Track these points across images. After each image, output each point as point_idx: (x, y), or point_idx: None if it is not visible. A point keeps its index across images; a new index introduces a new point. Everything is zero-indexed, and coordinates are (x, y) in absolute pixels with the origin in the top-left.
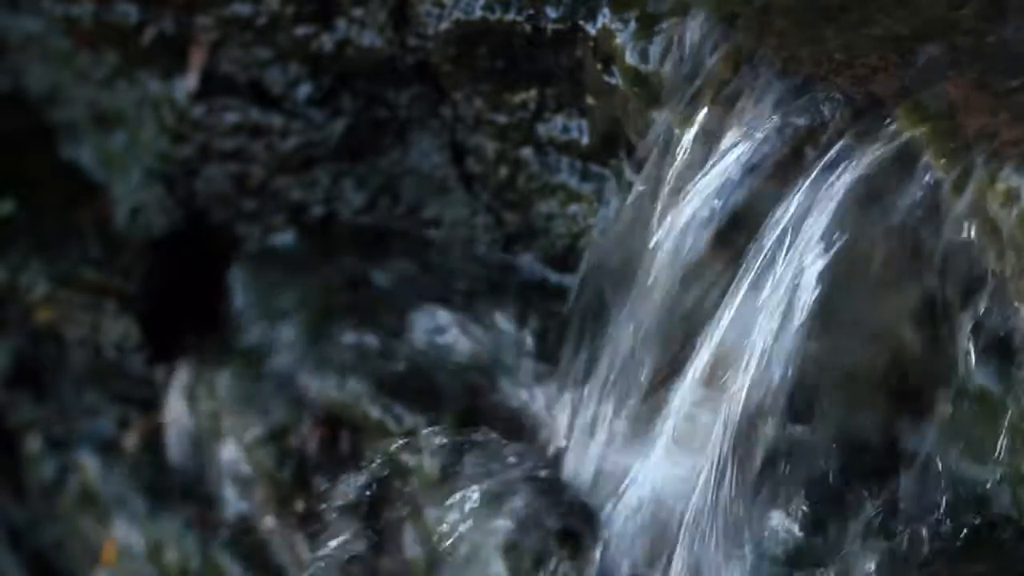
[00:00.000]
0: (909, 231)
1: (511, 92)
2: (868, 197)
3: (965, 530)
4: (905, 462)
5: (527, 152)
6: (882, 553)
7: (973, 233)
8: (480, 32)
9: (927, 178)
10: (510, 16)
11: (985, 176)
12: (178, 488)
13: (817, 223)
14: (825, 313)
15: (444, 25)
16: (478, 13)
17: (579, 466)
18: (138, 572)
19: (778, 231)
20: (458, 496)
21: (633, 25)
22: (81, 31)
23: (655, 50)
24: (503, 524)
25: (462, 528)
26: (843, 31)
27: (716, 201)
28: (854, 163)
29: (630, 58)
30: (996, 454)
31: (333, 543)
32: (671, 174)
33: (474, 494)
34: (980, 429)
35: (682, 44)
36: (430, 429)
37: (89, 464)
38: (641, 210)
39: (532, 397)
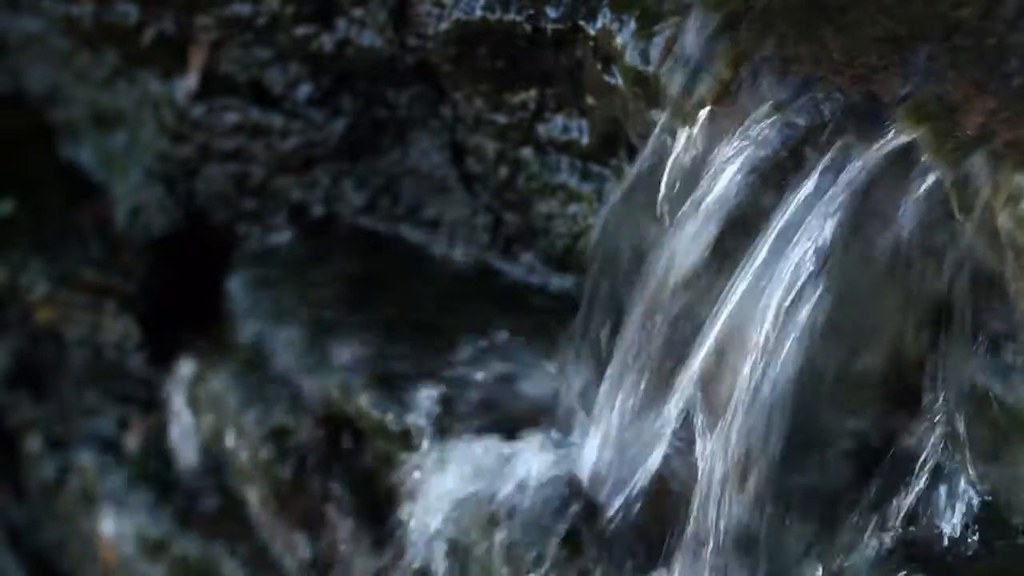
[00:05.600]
0: (909, 231)
1: (511, 92)
2: (868, 197)
3: (969, 532)
4: (907, 465)
5: (527, 152)
6: (883, 555)
7: (973, 234)
8: (480, 32)
9: (927, 178)
10: (510, 16)
11: (985, 176)
12: (178, 488)
13: (817, 224)
14: (825, 314)
15: (444, 25)
16: (478, 13)
17: (582, 462)
18: (138, 572)
19: (778, 232)
20: (459, 495)
21: (633, 25)
22: (81, 31)
23: (655, 50)
24: (503, 524)
25: (462, 527)
26: (843, 31)
27: (716, 202)
28: (854, 163)
29: (630, 58)
30: (998, 456)
31: (332, 544)
32: (670, 174)
33: (475, 493)
34: (981, 431)
35: (682, 44)
36: (430, 428)
37: (89, 464)
38: (639, 208)
39: (533, 394)
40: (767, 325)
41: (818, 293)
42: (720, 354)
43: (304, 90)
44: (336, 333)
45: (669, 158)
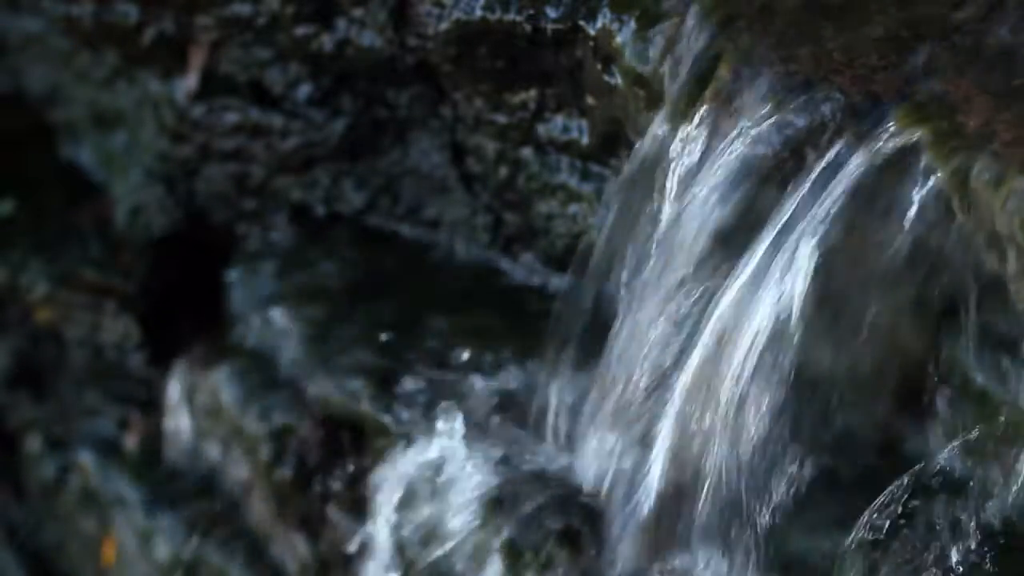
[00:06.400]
0: (909, 231)
1: (511, 92)
2: (868, 197)
3: (971, 533)
4: (906, 463)
5: (527, 152)
6: (882, 555)
7: (974, 233)
8: (480, 32)
9: (927, 178)
10: (510, 16)
11: (985, 176)
12: (178, 488)
13: (817, 223)
14: (825, 313)
15: (444, 25)
16: (478, 13)
17: (582, 463)
18: (138, 572)
19: (778, 231)
20: (458, 495)
21: (633, 25)
22: (81, 31)
23: (655, 50)
24: (504, 524)
25: (462, 528)
26: (843, 31)
27: (715, 201)
28: (854, 163)
29: (630, 58)
30: (996, 456)
31: (333, 544)
32: (670, 174)
33: (475, 493)
34: (980, 430)
35: (682, 44)
36: (430, 428)
37: (89, 464)
38: (636, 208)
39: (534, 395)
40: (766, 325)
41: (818, 293)
42: (717, 353)
43: (304, 90)
44: (336, 333)
45: (668, 158)
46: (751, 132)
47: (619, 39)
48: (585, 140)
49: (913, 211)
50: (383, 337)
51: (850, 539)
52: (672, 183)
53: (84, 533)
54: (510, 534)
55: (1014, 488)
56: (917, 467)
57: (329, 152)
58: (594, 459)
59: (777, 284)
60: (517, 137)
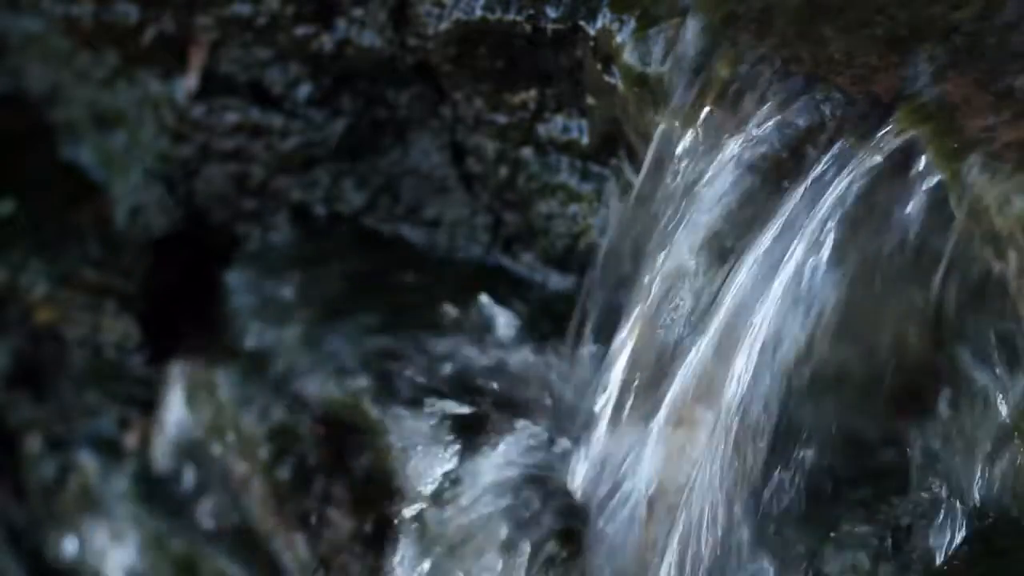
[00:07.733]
0: (910, 231)
1: (511, 92)
2: (868, 198)
3: (966, 532)
4: (906, 464)
5: (527, 152)
6: (882, 555)
7: (973, 233)
8: (480, 32)
9: (927, 178)
10: (510, 16)
11: (985, 176)
12: (178, 488)
13: (817, 224)
14: (825, 314)
15: (444, 25)
16: (478, 13)
17: (582, 463)
18: (137, 572)
19: (779, 232)
20: (458, 495)
21: (633, 25)
22: (81, 31)
23: (655, 50)
24: (503, 523)
25: (462, 527)
26: (843, 31)
27: (717, 203)
28: (854, 163)
29: (630, 58)
30: (995, 456)
31: (332, 544)
32: (671, 175)
33: (474, 493)
34: (981, 430)
35: (682, 44)
36: (431, 428)
37: (89, 464)
38: (642, 211)
39: (534, 395)
40: (767, 326)
41: (819, 293)
42: (718, 355)
43: (304, 90)
44: (336, 333)
45: (669, 159)
46: (752, 132)
47: (619, 39)
48: (585, 140)
49: (913, 211)
50: (383, 336)
51: (847, 539)
52: (674, 184)
53: (84, 533)
54: (509, 534)
55: (1014, 489)
56: (916, 467)
57: (329, 152)
58: (597, 455)
59: (778, 285)
60: (517, 137)
